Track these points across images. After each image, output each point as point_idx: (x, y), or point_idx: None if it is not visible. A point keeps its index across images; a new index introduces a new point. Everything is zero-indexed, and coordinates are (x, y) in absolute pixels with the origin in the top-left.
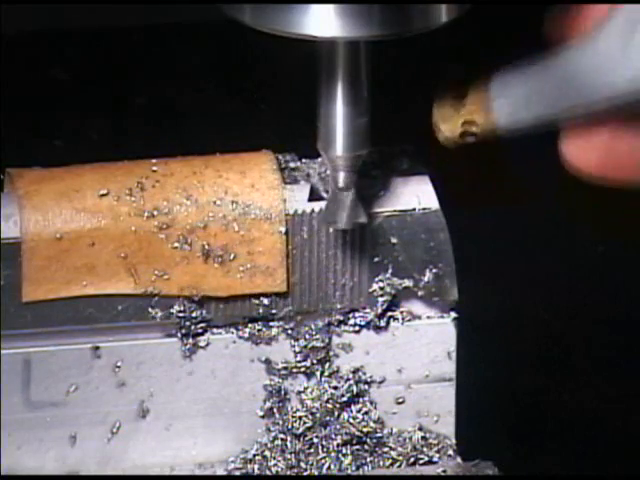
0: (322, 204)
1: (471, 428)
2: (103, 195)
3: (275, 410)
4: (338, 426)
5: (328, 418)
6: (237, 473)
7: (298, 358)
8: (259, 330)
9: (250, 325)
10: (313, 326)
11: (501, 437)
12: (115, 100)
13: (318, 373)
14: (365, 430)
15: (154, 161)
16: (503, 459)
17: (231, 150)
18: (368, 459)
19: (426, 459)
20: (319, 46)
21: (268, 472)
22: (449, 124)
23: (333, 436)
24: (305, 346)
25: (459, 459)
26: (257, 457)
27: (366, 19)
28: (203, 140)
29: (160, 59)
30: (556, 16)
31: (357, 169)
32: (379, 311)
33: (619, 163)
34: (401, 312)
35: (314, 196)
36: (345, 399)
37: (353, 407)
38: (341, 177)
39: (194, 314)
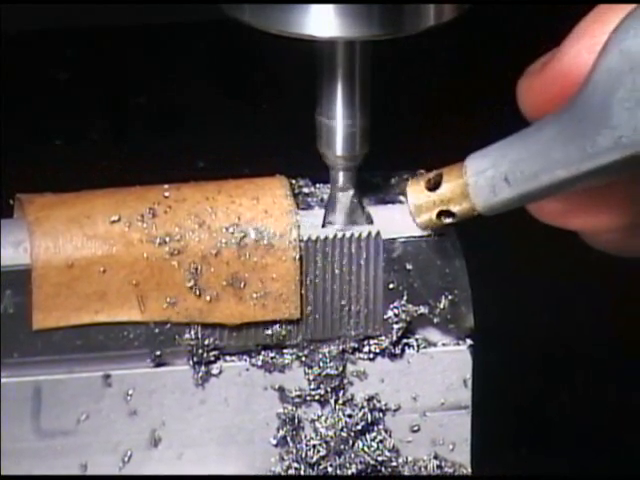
0: (336, 230)
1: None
2: (114, 221)
3: (289, 438)
4: (352, 455)
5: (342, 447)
6: None
7: (312, 386)
8: (272, 358)
9: (263, 353)
10: (327, 353)
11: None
12: (115, 100)
13: (332, 401)
14: (380, 459)
15: (166, 186)
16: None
17: (231, 150)
18: None
19: None
20: (319, 46)
21: None
22: (425, 215)
23: (348, 465)
24: (319, 374)
25: None
26: None
27: (366, 19)
28: (203, 140)
29: (160, 59)
30: (529, 87)
31: (356, 169)
32: (394, 338)
33: (578, 211)
34: (416, 339)
35: (328, 222)
36: (360, 427)
37: (368, 435)
38: (340, 177)
39: (206, 342)
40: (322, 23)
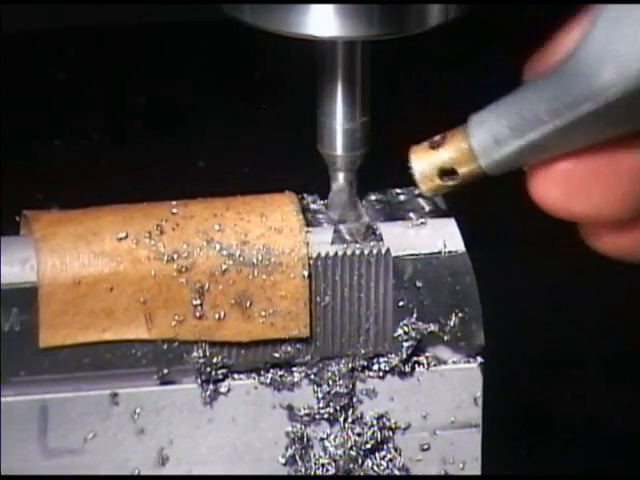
0: (346, 247)
1: None
2: (122, 238)
3: (297, 457)
4: (362, 474)
5: (352, 465)
6: None
7: (321, 404)
8: (281, 376)
9: (272, 371)
10: (336, 372)
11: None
12: (115, 100)
13: (341, 419)
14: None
15: (174, 203)
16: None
17: (231, 150)
18: None
19: None
20: (319, 46)
21: None
22: (426, 177)
23: None
24: (328, 392)
25: None
26: None
27: (366, 19)
28: (203, 140)
29: (160, 59)
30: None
31: (356, 168)
32: (404, 356)
33: (582, 193)
34: (426, 357)
35: (337, 239)
36: (369, 446)
37: (377, 454)
38: (340, 177)
39: (214, 360)
40: (322, 23)
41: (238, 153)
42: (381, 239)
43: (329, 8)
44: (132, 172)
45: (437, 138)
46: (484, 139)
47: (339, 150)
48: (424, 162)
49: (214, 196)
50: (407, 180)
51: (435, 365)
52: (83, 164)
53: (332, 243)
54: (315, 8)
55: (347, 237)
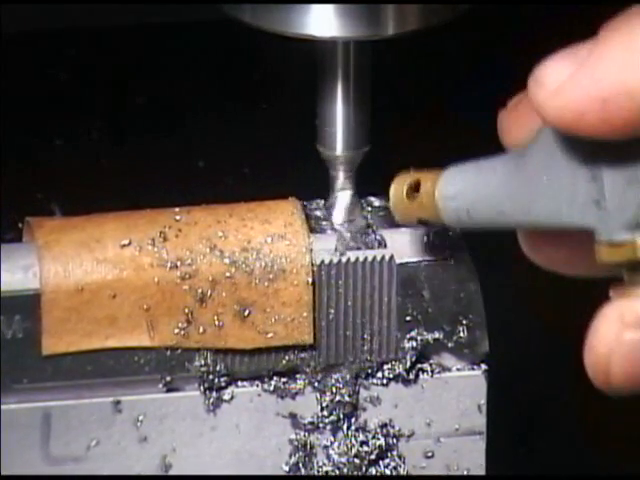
0: (350, 254)
1: None
2: (125, 245)
3: (301, 465)
4: None
5: (355, 473)
6: None
7: (324, 412)
8: (284, 383)
9: (275, 378)
10: (340, 379)
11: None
12: (115, 100)
13: (345, 427)
14: None
15: (177, 209)
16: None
17: (231, 150)
18: None
19: None
20: (319, 46)
21: None
22: (404, 216)
23: None
24: (332, 399)
25: None
26: None
27: (366, 19)
28: (203, 140)
29: (160, 59)
30: (506, 118)
31: (356, 168)
32: (408, 363)
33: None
34: (430, 364)
35: (341, 246)
36: (373, 454)
37: (381, 462)
38: (340, 177)
39: (217, 367)
40: (322, 23)
41: (238, 153)
42: (385, 246)
43: (329, 8)
44: (132, 172)
45: (413, 182)
46: (447, 210)
47: (339, 150)
48: (401, 204)
49: (214, 196)
50: None
51: (439, 372)
52: (83, 164)
53: (336, 250)
54: (315, 8)
55: (351, 244)
